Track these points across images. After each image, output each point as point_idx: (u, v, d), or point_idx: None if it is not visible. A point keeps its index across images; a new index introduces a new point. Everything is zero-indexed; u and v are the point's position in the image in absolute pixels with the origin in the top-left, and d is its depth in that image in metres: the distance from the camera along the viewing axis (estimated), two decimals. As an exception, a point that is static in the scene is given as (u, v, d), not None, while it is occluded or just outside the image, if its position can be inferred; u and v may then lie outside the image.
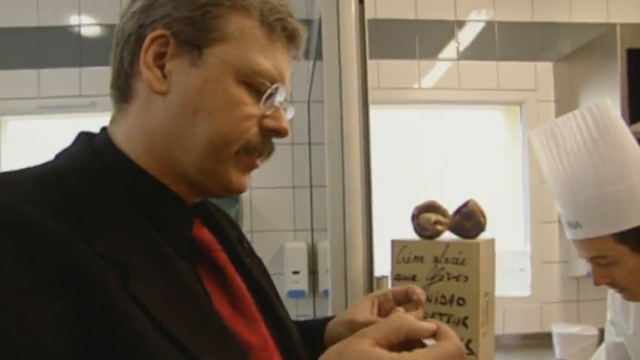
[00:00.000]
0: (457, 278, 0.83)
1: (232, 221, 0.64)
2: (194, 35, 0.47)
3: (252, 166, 0.51)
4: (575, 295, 1.94)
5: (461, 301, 0.83)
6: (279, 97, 0.50)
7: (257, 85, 0.48)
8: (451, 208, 1.00)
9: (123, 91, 0.49)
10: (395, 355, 0.41)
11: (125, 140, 0.49)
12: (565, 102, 1.89)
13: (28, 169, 0.45)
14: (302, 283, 1.77)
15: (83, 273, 0.36)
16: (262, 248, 1.84)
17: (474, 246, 0.83)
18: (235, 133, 0.48)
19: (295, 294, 1.77)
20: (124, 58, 0.49)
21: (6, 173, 0.43)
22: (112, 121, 0.51)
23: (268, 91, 0.49)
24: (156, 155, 0.48)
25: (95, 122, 0.52)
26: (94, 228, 0.40)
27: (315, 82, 1.62)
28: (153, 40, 0.47)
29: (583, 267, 1.85)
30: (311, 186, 1.84)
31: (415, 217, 0.89)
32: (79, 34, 1.84)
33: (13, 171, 0.43)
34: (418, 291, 0.64)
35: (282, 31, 0.50)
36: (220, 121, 0.47)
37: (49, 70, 1.80)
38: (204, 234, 0.51)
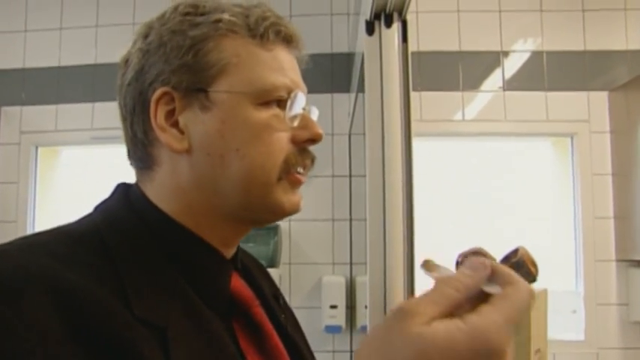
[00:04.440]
0: (506, 333, 0.77)
1: (267, 274, 0.63)
2: (194, 80, 0.45)
3: (298, 183, 0.49)
4: (638, 341, 1.78)
5: (510, 359, 0.77)
6: (300, 103, 0.48)
7: (275, 101, 0.47)
8: (498, 249, 0.95)
9: (144, 160, 0.49)
10: (467, 328, 0.31)
11: (158, 200, 0.48)
12: (622, 133, 1.78)
13: (68, 225, 0.45)
14: (339, 318, 1.72)
15: (126, 345, 0.35)
16: (300, 281, 1.85)
17: (524, 299, 0.78)
18: (270, 160, 0.46)
19: (332, 329, 1.72)
20: (137, 130, 0.48)
21: (46, 232, 0.43)
22: (139, 182, 0.50)
23: (289, 102, 0.47)
24: (193, 211, 0.47)
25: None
26: (133, 290, 0.39)
27: (357, 114, 1.62)
28: (157, 101, 0.46)
29: (645, 311, 1.71)
30: (351, 219, 1.82)
31: (460, 265, 0.85)
32: (131, 69, 1.94)
33: (52, 230, 0.43)
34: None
35: (275, 36, 0.48)
36: (251, 155, 0.45)
37: (102, 103, 1.91)
38: (243, 288, 0.50)
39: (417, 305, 0.33)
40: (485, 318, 0.32)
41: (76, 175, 2.04)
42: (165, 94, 0.46)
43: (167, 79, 0.45)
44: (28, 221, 1.93)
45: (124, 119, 0.49)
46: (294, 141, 0.48)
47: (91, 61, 1.94)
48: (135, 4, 1.95)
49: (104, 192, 0.50)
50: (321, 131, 0.49)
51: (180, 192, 0.47)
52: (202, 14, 0.47)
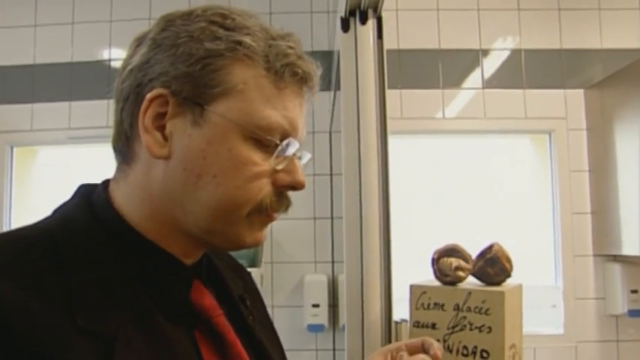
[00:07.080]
0: (480, 329, 0.78)
1: (239, 269, 0.62)
2: (194, 93, 0.44)
3: (267, 222, 0.48)
4: (614, 334, 1.81)
5: (485, 354, 0.78)
6: (292, 150, 0.47)
7: (266, 141, 0.45)
8: (475, 246, 0.95)
9: (124, 153, 0.48)
10: None
11: (124, 203, 0.47)
12: (598, 130, 1.82)
13: (23, 228, 0.44)
14: (322, 317, 1.72)
15: (60, 358, 0.34)
16: (282, 280, 1.84)
17: (498, 295, 0.78)
18: (244, 196, 0.45)
19: (315, 328, 1.72)
20: (124, 119, 0.47)
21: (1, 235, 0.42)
22: (113, 179, 0.49)
23: (279, 148, 0.46)
24: (156, 219, 0.46)
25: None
26: (81, 298, 0.38)
27: (337, 112, 1.61)
28: (151, 100, 0.44)
29: (622, 305, 1.74)
30: (332, 217, 1.82)
31: (435, 262, 0.85)
32: (108, 68, 1.91)
33: (5, 233, 0.43)
34: (435, 345, 0.59)
35: (291, 77, 0.46)
36: (226, 185, 0.44)
37: (79, 102, 1.87)
38: (205, 298, 0.49)
39: None
40: None
41: (55, 175, 2.00)
42: (160, 95, 0.44)
43: (168, 82, 0.44)
44: (4, 223, 1.89)
45: (116, 101, 0.48)
46: (274, 183, 0.47)
47: (67, 59, 1.90)
48: (112, 1, 1.91)
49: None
50: (303, 180, 0.48)
51: (147, 197, 0.46)
52: (227, 29, 0.45)
